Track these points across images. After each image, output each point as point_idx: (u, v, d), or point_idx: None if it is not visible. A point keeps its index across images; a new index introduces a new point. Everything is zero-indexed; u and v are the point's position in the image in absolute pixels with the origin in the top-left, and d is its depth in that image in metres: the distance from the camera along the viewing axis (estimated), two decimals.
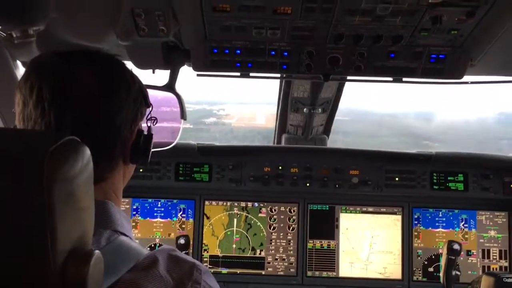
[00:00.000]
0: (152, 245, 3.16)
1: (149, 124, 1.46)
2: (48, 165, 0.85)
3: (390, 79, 2.25)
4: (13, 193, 0.85)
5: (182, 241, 2.65)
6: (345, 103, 3.42)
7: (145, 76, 2.29)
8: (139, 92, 1.38)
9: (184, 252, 2.66)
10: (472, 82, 2.30)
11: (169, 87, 2.24)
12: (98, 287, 0.96)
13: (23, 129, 1.19)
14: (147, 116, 1.46)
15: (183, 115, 2.24)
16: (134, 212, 3.20)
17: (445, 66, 2.10)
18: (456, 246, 2.50)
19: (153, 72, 2.30)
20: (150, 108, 1.46)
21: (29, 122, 1.22)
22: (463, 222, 3.17)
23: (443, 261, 2.55)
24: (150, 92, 2.20)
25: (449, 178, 3.13)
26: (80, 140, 0.97)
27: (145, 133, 1.42)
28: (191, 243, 3.12)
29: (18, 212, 0.85)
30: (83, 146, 0.96)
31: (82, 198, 0.93)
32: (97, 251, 0.95)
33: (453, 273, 2.51)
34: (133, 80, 1.37)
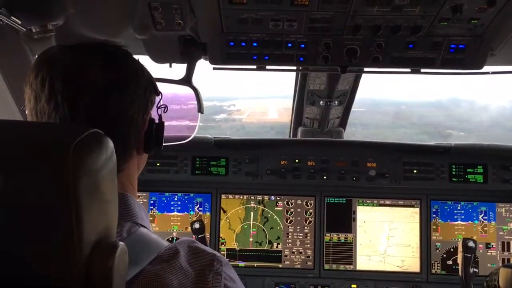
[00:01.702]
0: (170, 239, 3.18)
1: (159, 112, 1.46)
2: (73, 158, 0.85)
3: (408, 70, 2.23)
4: (39, 187, 0.85)
5: (197, 225, 2.66)
6: (359, 94, 3.36)
7: (162, 70, 2.31)
8: (148, 81, 1.39)
9: (201, 235, 2.67)
10: (493, 72, 2.26)
11: (186, 80, 2.25)
12: (122, 278, 0.97)
13: (47, 122, 1.19)
14: (157, 104, 1.46)
15: (200, 108, 2.25)
16: (152, 206, 3.22)
17: (465, 56, 2.07)
18: (471, 244, 2.45)
19: (170, 66, 2.30)
20: (160, 96, 1.46)
21: (42, 117, 1.22)
22: (482, 215, 3.13)
23: (459, 259, 2.51)
24: (167, 86, 2.23)
25: (468, 170, 3.09)
26: None
27: (157, 121, 1.43)
28: (208, 236, 3.13)
29: (44, 205, 0.86)
30: (107, 138, 0.96)
31: (107, 190, 0.94)
32: (121, 243, 0.95)
33: (471, 270, 2.47)
34: (141, 70, 1.38)
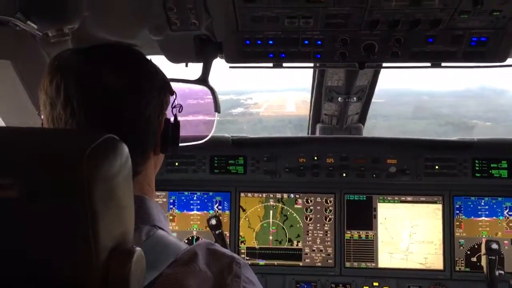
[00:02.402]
0: (190, 238, 3.19)
1: (174, 112, 1.45)
2: (87, 165, 0.85)
3: (428, 64, 2.18)
4: (53, 194, 0.85)
5: (213, 221, 2.66)
6: (378, 84, 3.27)
7: (177, 70, 2.30)
8: (163, 82, 1.38)
9: (218, 231, 2.66)
10: None
11: (202, 80, 2.24)
12: (140, 284, 0.96)
13: (60, 128, 1.19)
14: (172, 104, 1.45)
15: (217, 108, 2.24)
16: (171, 206, 3.23)
17: (487, 49, 2.01)
18: (494, 246, 2.38)
19: (186, 66, 2.30)
20: (175, 96, 1.45)
21: (59, 124, 1.22)
22: (507, 210, 3.06)
23: (483, 262, 2.44)
24: (183, 86, 2.22)
25: (492, 165, 3.02)
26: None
27: (172, 121, 1.42)
28: (228, 234, 3.13)
29: (59, 213, 0.86)
30: (121, 143, 0.95)
31: (123, 196, 0.93)
32: (138, 248, 0.95)
33: (497, 273, 2.40)
34: (155, 70, 1.37)
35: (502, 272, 2.46)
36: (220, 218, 2.82)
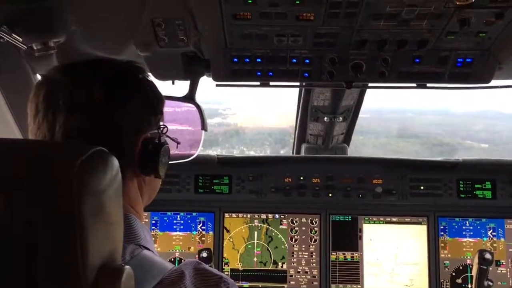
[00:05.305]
0: (172, 259, 3.11)
1: (157, 133, 1.41)
2: (77, 178, 0.81)
3: (414, 85, 2.20)
4: (42, 209, 0.81)
5: (204, 254, 2.60)
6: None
7: (165, 87, 2.28)
8: (147, 100, 1.35)
9: (208, 265, 2.60)
10: (501, 87, 2.23)
11: (189, 98, 2.22)
12: None
13: (48, 141, 1.17)
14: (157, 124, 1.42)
15: (203, 126, 2.21)
16: (153, 227, 3.16)
17: (473, 70, 2.05)
18: (487, 256, 2.41)
19: (173, 83, 2.28)
20: (162, 117, 1.42)
21: (38, 131, 1.23)
22: (491, 231, 3.07)
23: (474, 271, 2.45)
24: (170, 103, 2.19)
25: (476, 186, 3.04)
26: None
27: (153, 142, 1.38)
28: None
29: (48, 228, 0.81)
30: (111, 156, 0.92)
31: (112, 211, 0.90)
32: (127, 267, 0.91)
33: (485, 283, 2.42)
34: (140, 87, 1.35)
35: (491, 283, 2.47)
36: (212, 253, 2.72)
